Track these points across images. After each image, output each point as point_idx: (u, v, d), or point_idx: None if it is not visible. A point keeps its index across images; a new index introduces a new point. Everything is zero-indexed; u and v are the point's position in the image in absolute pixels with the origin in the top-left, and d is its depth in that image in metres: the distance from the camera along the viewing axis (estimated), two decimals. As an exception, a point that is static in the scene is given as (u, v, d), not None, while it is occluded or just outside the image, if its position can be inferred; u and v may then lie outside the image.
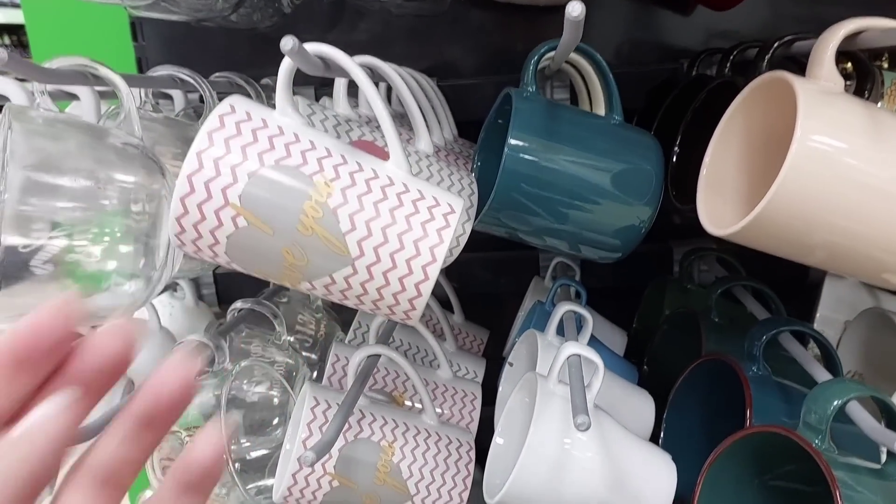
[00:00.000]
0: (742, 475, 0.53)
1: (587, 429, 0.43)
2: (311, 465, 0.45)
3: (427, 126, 0.54)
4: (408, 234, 0.39)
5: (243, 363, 0.61)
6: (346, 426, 0.55)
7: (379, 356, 0.59)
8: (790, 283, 0.77)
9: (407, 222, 0.40)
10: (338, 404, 0.55)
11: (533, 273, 0.87)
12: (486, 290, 0.90)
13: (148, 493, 0.77)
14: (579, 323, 0.64)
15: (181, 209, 0.38)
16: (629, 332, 0.79)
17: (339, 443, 0.54)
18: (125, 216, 0.46)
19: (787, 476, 0.52)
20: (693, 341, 0.69)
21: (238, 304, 0.69)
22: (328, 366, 0.66)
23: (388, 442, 0.56)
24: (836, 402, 0.46)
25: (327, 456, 0.54)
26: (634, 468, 0.52)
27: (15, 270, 0.43)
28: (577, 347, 0.52)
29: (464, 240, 0.53)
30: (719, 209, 0.50)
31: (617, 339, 0.77)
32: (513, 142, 0.51)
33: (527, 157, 0.52)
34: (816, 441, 0.46)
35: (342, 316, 0.87)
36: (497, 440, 0.57)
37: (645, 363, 0.76)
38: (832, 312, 0.73)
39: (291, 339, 0.75)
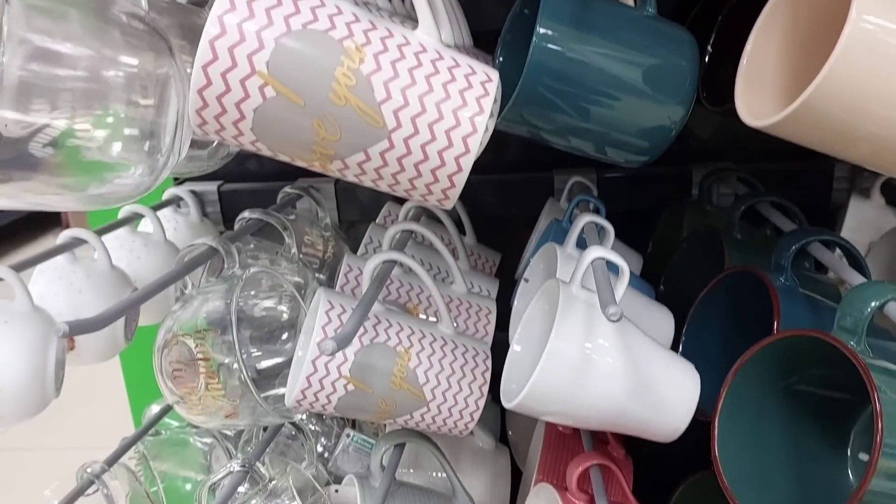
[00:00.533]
0: (766, 385, 0.51)
1: (618, 319, 0.41)
2: (332, 353, 0.43)
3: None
4: (446, 102, 0.37)
5: (253, 269, 0.59)
6: (362, 330, 0.53)
7: (395, 263, 0.57)
8: (812, 207, 0.75)
9: (445, 90, 0.37)
10: (353, 308, 0.53)
11: (546, 196, 0.84)
12: (498, 214, 0.88)
13: (155, 407, 0.76)
14: (599, 236, 0.62)
15: (203, 79, 0.36)
16: (644, 256, 0.77)
17: (355, 346, 0.53)
18: (129, 98, 0.43)
19: (815, 381, 0.50)
20: (712, 263, 0.67)
21: (246, 214, 0.67)
22: (340, 276, 0.64)
23: (404, 347, 0.54)
24: (873, 304, 0.45)
25: (342, 358, 0.52)
26: (657, 376, 0.51)
27: (13, 151, 0.40)
28: (602, 251, 0.51)
29: (487, 137, 0.51)
30: (758, 104, 0.47)
31: (632, 261, 0.75)
32: (541, 30, 0.48)
33: (555, 47, 0.49)
34: (852, 343, 0.44)
35: (350, 238, 0.86)
36: (514, 348, 0.55)
37: (661, 283, 0.75)
38: (856, 234, 0.71)
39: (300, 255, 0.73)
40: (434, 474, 0.75)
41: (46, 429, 2.24)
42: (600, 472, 0.61)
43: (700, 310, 0.63)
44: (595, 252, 0.50)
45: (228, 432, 0.79)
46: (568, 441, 0.73)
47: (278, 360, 0.64)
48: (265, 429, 0.71)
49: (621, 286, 0.49)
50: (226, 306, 0.56)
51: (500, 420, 0.89)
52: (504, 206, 0.87)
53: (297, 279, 0.70)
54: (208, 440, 0.79)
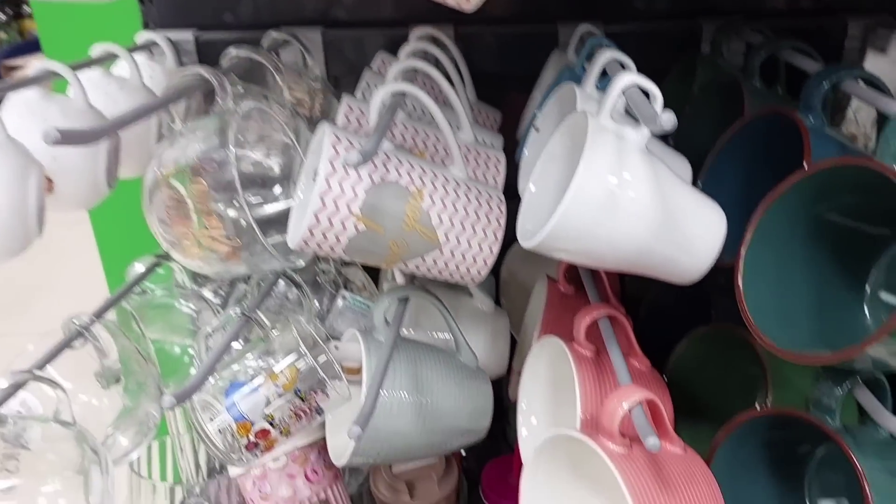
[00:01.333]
0: (794, 220, 0.49)
1: (670, 126, 0.38)
2: (356, 164, 0.41)
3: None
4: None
5: (247, 103, 0.54)
6: (372, 167, 0.49)
7: (403, 96, 0.53)
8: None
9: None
10: (360, 143, 0.49)
11: (550, 50, 0.79)
12: (496, 71, 0.83)
13: (140, 266, 0.72)
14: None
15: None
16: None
17: (365, 183, 0.49)
18: None
19: (847, 210, 0.49)
20: (725, 116, 0.64)
21: (232, 51, 0.61)
22: (339, 115, 0.59)
23: (416, 188, 0.51)
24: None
25: (353, 195, 0.49)
26: (685, 212, 0.49)
27: None
28: (634, 76, 0.47)
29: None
30: None
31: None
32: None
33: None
34: (897, 169, 0.42)
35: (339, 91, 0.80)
36: (531, 188, 0.52)
37: (669, 138, 0.72)
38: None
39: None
40: (435, 334, 0.73)
41: (15, 314, 2.20)
42: (609, 322, 0.60)
43: (719, 157, 0.60)
44: (626, 78, 0.47)
45: (214, 298, 0.76)
46: (570, 300, 0.72)
47: (275, 207, 0.60)
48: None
49: (658, 107, 0.46)
50: (220, 142, 0.51)
51: (495, 288, 0.88)
52: (503, 62, 0.82)
53: (288, 122, 0.65)
54: (194, 305, 0.76)
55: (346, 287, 0.82)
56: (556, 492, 0.55)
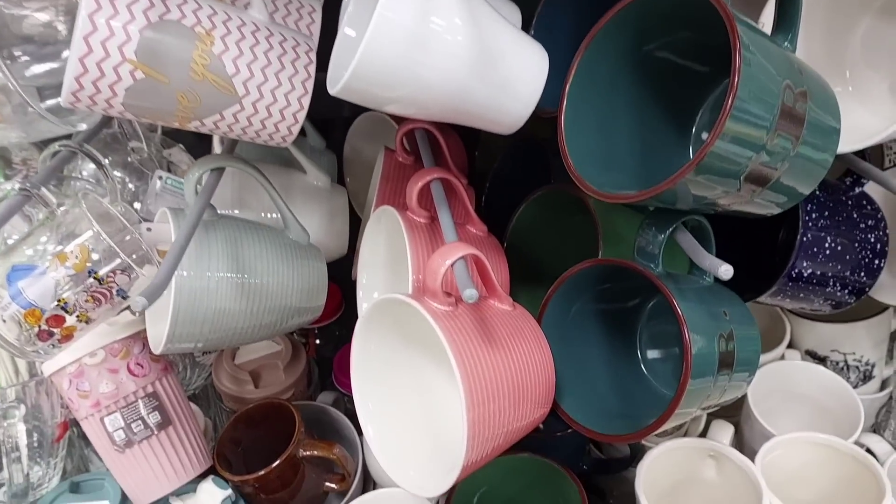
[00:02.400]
0: (619, 59, 0.47)
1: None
2: None
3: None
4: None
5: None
6: (147, 3, 0.42)
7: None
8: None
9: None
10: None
11: None
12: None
13: None
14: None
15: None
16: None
17: (140, 22, 0.42)
18: None
19: (674, 48, 0.47)
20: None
21: None
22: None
23: (204, 29, 0.44)
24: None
25: (124, 37, 0.42)
26: (504, 52, 0.45)
27: None
28: None
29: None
30: None
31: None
32: None
33: None
34: None
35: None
36: (346, 31, 0.47)
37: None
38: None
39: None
40: (263, 214, 0.68)
41: None
42: (442, 186, 0.57)
43: (546, 4, 0.57)
44: None
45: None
46: (407, 170, 0.69)
47: (49, 66, 0.52)
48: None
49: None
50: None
51: (336, 166, 0.83)
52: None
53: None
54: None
55: (169, 171, 0.74)
56: (389, 363, 0.53)
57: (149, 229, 0.59)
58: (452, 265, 0.44)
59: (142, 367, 0.63)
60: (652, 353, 0.58)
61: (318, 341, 0.94)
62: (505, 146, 0.76)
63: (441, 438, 0.52)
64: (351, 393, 0.80)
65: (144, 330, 0.63)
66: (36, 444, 0.68)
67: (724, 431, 0.61)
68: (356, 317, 0.76)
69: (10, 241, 0.53)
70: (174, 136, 0.77)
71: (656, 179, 0.40)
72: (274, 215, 0.68)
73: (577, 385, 0.52)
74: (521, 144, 0.73)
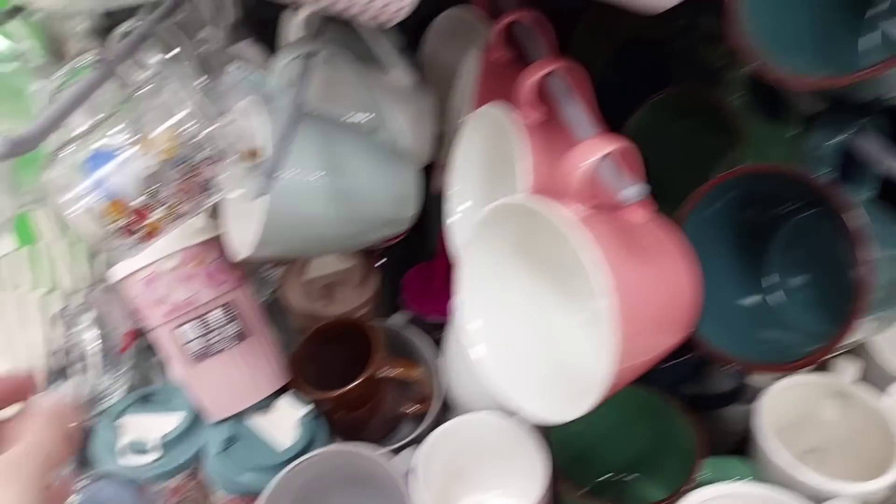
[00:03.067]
0: None
1: None
2: None
3: None
4: None
5: None
6: None
7: None
8: None
9: None
10: None
11: None
12: None
13: None
14: None
15: None
16: None
17: None
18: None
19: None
20: None
21: None
22: None
23: None
24: None
25: None
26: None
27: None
28: None
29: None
30: None
31: None
32: None
33: None
34: None
35: None
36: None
37: None
38: None
39: None
40: (351, 114, 0.62)
41: None
42: (564, 80, 0.51)
43: None
44: None
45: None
46: (507, 69, 0.61)
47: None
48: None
49: None
50: None
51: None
52: None
53: None
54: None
55: (237, 66, 0.68)
56: (502, 279, 0.48)
57: (233, 122, 0.53)
58: (603, 158, 0.38)
59: (218, 275, 0.58)
60: (786, 276, 0.53)
61: (382, 260, 0.89)
62: (606, 50, 0.69)
63: (559, 362, 0.47)
64: (423, 315, 0.76)
65: (219, 237, 0.58)
66: (102, 354, 0.64)
67: (850, 368, 0.56)
68: (420, 237, 0.71)
69: (81, 129, 0.48)
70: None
71: (838, 64, 0.34)
72: (359, 116, 0.61)
73: (712, 308, 0.47)
74: (628, 46, 0.66)
